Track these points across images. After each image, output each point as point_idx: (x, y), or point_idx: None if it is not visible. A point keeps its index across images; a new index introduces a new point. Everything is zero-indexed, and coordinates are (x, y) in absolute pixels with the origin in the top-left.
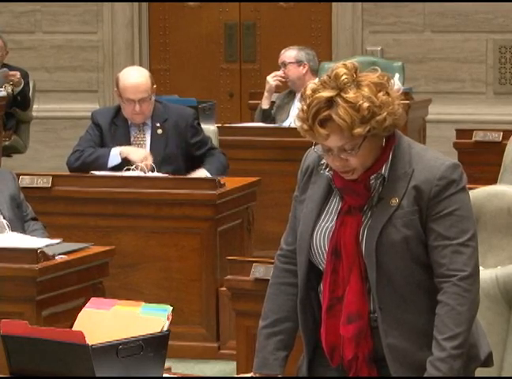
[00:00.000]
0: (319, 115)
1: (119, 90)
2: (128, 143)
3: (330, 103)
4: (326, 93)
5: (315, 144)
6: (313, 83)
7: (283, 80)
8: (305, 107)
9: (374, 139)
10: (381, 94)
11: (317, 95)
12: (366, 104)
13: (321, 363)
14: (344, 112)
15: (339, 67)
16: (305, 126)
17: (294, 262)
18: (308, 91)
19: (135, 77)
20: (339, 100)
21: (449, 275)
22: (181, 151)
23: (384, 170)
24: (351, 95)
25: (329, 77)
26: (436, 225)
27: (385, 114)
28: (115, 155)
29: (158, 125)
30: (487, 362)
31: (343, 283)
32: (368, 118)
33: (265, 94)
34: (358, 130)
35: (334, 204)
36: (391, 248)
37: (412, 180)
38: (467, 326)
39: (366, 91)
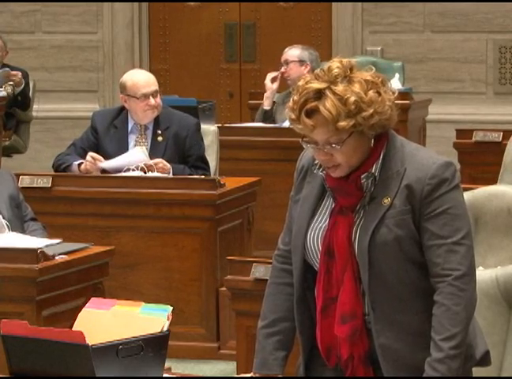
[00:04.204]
0: (306, 105)
1: (128, 90)
2: (125, 146)
3: (319, 94)
4: (317, 85)
5: (303, 138)
6: (307, 75)
7: (278, 79)
8: (295, 97)
9: (360, 137)
10: (371, 92)
11: (307, 86)
12: (353, 98)
13: (318, 363)
14: (331, 104)
15: (334, 61)
16: (293, 116)
17: (291, 262)
18: (301, 82)
19: (143, 74)
20: (328, 92)
21: (444, 274)
22: (178, 158)
23: (375, 169)
24: (340, 88)
25: (323, 71)
26: (429, 224)
27: (371, 111)
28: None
29: (159, 132)
30: (484, 361)
31: (337, 284)
32: (354, 112)
33: (267, 94)
34: (342, 124)
35: (328, 204)
36: (383, 248)
37: (404, 179)
38: (464, 326)
39: (356, 86)
